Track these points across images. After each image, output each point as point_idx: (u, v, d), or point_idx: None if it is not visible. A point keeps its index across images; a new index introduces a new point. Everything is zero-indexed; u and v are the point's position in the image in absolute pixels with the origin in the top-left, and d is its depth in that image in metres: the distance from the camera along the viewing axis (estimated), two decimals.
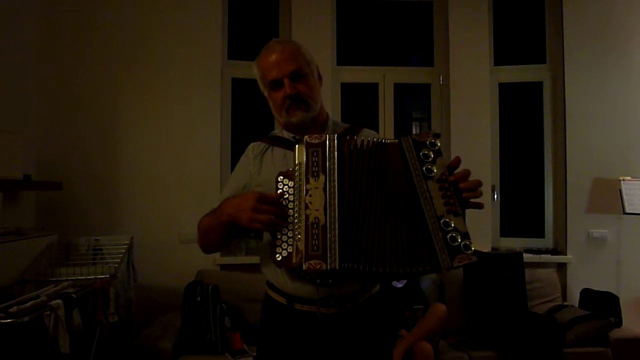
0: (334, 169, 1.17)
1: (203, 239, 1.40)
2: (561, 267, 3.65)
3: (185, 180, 3.41)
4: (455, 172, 1.19)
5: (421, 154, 1.18)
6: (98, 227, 3.13)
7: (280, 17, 3.78)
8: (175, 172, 3.42)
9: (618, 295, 3.21)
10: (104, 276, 2.48)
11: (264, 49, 1.43)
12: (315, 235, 1.12)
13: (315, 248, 1.11)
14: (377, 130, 1.60)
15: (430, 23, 3.95)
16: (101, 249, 2.81)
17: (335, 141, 1.20)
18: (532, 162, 3.96)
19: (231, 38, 3.69)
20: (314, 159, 1.18)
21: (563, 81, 3.71)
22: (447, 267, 1.10)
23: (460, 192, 1.16)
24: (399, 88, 3.89)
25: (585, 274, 3.58)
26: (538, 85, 3.90)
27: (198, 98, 3.47)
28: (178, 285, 3.07)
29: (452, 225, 1.12)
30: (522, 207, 4.00)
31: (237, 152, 3.59)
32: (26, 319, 1.82)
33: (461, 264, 1.10)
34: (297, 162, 1.20)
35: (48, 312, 1.92)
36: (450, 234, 1.11)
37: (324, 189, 1.15)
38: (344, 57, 3.87)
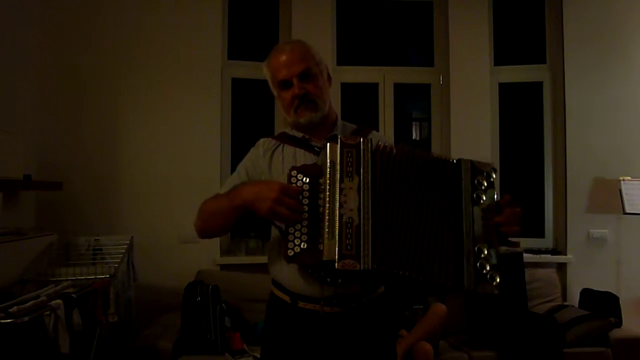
0: (368, 171, 1.17)
1: (206, 221, 1.37)
2: (561, 267, 3.64)
3: (185, 180, 3.40)
4: (504, 210, 1.22)
5: (476, 180, 1.23)
6: (98, 227, 3.13)
7: (280, 17, 3.77)
8: (175, 172, 3.41)
9: (618, 295, 3.21)
10: (104, 276, 2.49)
11: (274, 49, 1.44)
12: (349, 235, 1.12)
13: (349, 247, 1.10)
14: (377, 130, 1.61)
15: (430, 23, 3.95)
16: (101, 249, 2.81)
17: (370, 144, 1.20)
18: (532, 162, 3.96)
19: (231, 38, 3.69)
20: (348, 159, 1.18)
21: (563, 81, 3.71)
22: (468, 289, 1.13)
23: (499, 227, 1.20)
24: (399, 88, 3.89)
25: (585, 274, 3.58)
26: (538, 85, 3.89)
27: (198, 98, 3.47)
28: (178, 285, 3.06)
29: (485, 253, 1.15)
30: (522, 207, 3.99)
31: (237, 152, 3.61)
32: (26, 319, 1.82)
33: (482, 292, 1.13)
34: (328, 160, 1.18)
35: (48, 312, 1.92)
36: (480, 262, 1.15)
37: (358, 190, 1.15)
38: (344, 57, 3.87)
